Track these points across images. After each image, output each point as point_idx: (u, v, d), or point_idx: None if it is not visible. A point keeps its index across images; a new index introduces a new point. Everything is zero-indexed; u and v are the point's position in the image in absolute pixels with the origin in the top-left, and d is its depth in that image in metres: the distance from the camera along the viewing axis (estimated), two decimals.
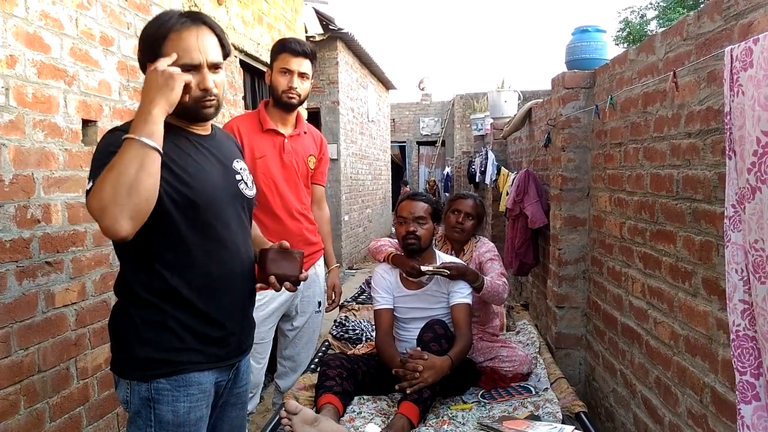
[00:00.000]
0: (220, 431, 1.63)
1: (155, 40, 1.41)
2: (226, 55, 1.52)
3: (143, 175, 1.24)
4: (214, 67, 1.45)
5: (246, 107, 3.81)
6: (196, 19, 1.44)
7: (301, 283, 1.62)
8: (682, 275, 1.95)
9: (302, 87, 2.37)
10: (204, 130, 1.55)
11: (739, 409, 1.39)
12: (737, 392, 1.40)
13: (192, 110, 1.45)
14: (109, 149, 1.31)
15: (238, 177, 1.58)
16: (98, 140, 2.21)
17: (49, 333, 2.00)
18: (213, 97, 1.45)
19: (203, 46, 1.42)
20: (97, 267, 2.24)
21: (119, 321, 1.45)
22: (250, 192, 1.62)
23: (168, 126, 1.43)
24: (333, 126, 8.20)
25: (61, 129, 2.06)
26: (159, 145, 1.28)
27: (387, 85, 12.47)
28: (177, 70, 1.34)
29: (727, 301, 1.43)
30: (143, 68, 1.46)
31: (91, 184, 1.28)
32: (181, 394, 1.42)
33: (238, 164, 1.61)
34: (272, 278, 1.53)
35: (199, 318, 1.44)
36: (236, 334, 1.54)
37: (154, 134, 1.28)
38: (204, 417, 1.49)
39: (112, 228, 1.23)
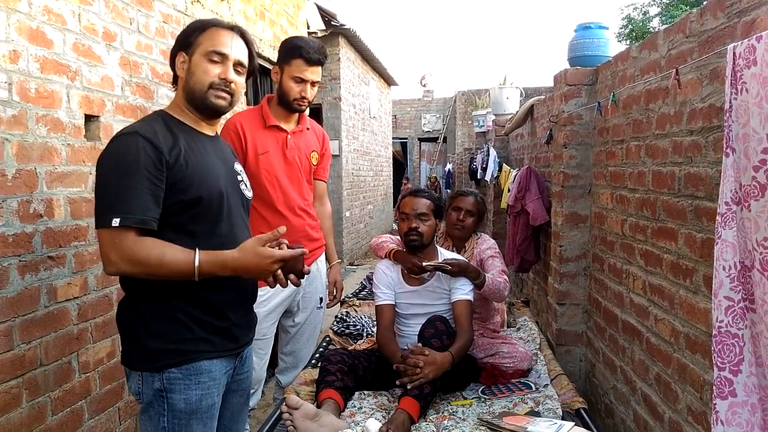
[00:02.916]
0: (221, 417, 1.66)
1: (193, 30, 1.54)
2: (251, 71, 1.63)
3: (165, 276, 1.40)
4: (239, 66, 1.56)
5: (248, 103, 3.81)
6: (235, 27, 1.58)
7: (305, 277, 1.63)
8: (683, 272, 1.95)
9: (312, 94, 2.39)
10: (211, 131, 1.63)
11: (715, 404, 1.41)
12: (714, 387, 1.42)
13: (204, 98, 1.52)
14: (128, 164, 1.38)
15: (239, 178, 1.67)
16: (100, 135, 2.24)
17: (51, 327, 2.01)
18: (228, 91, 1.54)
19: (234, 45, 1.54)
20: (99, 261, 2.23)
21: (127, 315, 1.50)
22: (249, 193, 1.71)
23: (182, 125, 1.54)
24: (335, 122, 8.19)
25: (64, 124, 2.06)
26: (198, 277, 1.41)
27: (389, 81, 12.45)
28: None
29: (713, 297, 1.45)
30: (173, 64, 1.57)
31: (118, 220, 1.34)
32: (193, 383, 1.47)
33: (238, 167, 1.70)
34: (279, 272, 1.53)
35: (205, 309, 1.50)
36: (240, 327, 1.60)
37: (208, 274, 1.41)
38: (215, 405, 1.54)
39: (105, 268, 1.41)
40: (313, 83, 2.35)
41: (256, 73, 1.74)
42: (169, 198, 1.42)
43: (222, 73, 1.51)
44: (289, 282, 1.56)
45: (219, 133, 1.76)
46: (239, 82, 1.56)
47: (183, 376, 1.46)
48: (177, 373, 1.45)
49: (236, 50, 1.54)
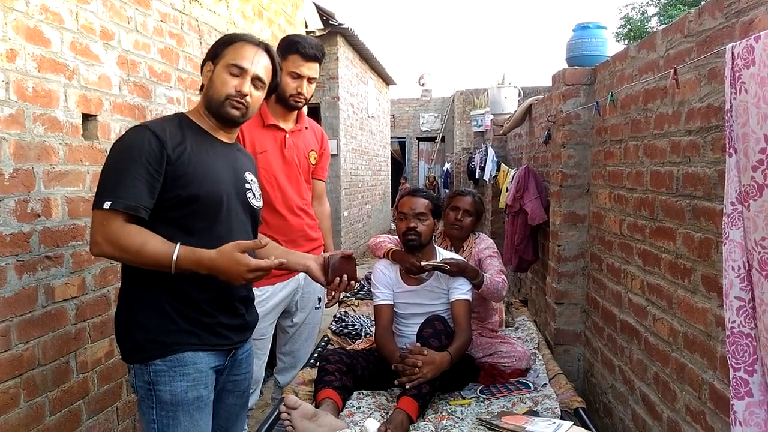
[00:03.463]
0: (217, 417, 1.67)
1: (222, 43, 1.62)
2: (274, 87, 1.70)
3: (142, 265, 1.44)
4: (258, 81, 1.62)
5: None
6: (262, 44, 1.64)
7: (304, 280, 1.68)
8: (681, 272, 1.95)
9: (310, 90, 2.38)
10: (228, 138, 1.68)
11: (732, 404, 1.41)
12: (731, 388, 1.41)
13: (219, 106, 1.58)
14: (130, 153, 1.44)
15: (247, 186, 1.68)
16: (97, 135, 2.23)
17: (49, 327, 2.00)
18: (243, 102, 1.59)
19: (257, 60, 1.60)
20: (97, 261, 2.24)
21: (122, 309, 1.56)
22: (256, 203, 1.71)
23: (196, 128, 1.59)
24: (333, 121, 8.19)
25: (62, 123, 2.05)
26: (174, 271, 1.43)
27: (387, 80, 12.45)
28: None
29: (724, 298, 1.44)
30: (201, 71, 1.65)
31: (109, 203, 1.40)
32: (177, 374, 1.50)
33: (249, 176, 1.72)
34: (345, 277, 1.72)
35: (191, 305, 1.53)
36: (229, 327, 1.61)
37: (184, 269, 1.44)
38: (203, 398, 1.55)
39: (90, 248, 1.47)
40: (310, 80, 2.34)
41: (279, 89, 1.94)
42: (169, 191, 1.47)
43: (239, 85, 1.57)
44: (290, 282, 1.59)
45: (240, 145, 1.82)
46: (255, 96, 1.62)
47: (168, 368, 1.50)
48: (162, 365, 1.49)
49: (257, 66, 1.60)
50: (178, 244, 1.43)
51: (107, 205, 1.40)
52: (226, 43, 1.61)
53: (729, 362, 1.42)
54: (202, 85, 1.65)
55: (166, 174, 1.46)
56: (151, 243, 1.42)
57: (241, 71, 1.58)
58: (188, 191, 1.49)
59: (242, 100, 1.58)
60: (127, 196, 1.41)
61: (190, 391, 1.52)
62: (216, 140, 1.63)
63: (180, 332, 1.51)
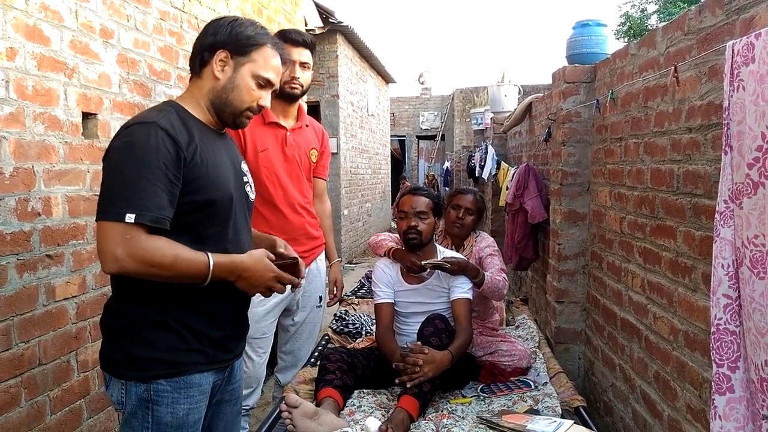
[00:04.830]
0: (215, 429, 1.60)
1: (250, 40, 1.47)
2: None
3: (172, 278, 1.33)
4: (274, 91, 1.58)
5: None
6: (283, 52, 1.57)
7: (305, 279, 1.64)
8: (682, 270, 1.95)
9: (304, 77, 2.37)
10: (221, 129, 1.57)
11: (713, 399, 1.43)
12: (713, 383, 1.44)
13: (237, 115, 1.51)
14: (145, 156, 1.28)
15: (245, 179, 1.60)
16: (97, 133, 2.23)
17: (49, 326, 2.01)
18: (257, 114, 1.56)
19: (279, 71, 1.55)
20: (98, 260, 2.24)
21: (115, 319, 1.41)
22: (252, 196, 1.65)
23: (196, 121, 1.46)
24: (333, 120, 8.18)
25: (62, 122, 2.05)
26: (209, 281, 1.36)
27: (387, 78, 12.44)
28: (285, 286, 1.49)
29: (711, 295, 1.45)
30: (206, 53, 1.45)
31: (133, 216, 1.25)
32: (182, 396, 1.39)
33: (244, 167, 1.63)
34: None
35: (202, 317, 1.42)
36: (233, 338, 1.53)
37: (217, 278, 1.37)
38: (201, 418, 1.47)
39: (106, 265, 1.29)
40: (302, 65, 2.34)
41: None
42: (182, 197, 1.34)
43: (263, 100, 1.51)
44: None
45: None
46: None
47: (172, 389, 1.38)
48: (166, 385, 1.37)
49: (279, 77, 1.55)
50: (209, 253, 1.34)
51: (131, 218, 1.24)
52: (257, 44, 1.47)
53: (713, 358, 1.44)
54: (199, 66, 1.47)
55: (182, 178, 1.33)
56: (184, 254, 1.31)
57: (268, 84, 1.50)
58: (204, 196, 1.37)
59: (258, 112, 1.53)
60: (151, 206, 1.26)
61: (191, 413, 1.41)
62: (215, 133, 1.52)
63: (189, 351, 1.39)
